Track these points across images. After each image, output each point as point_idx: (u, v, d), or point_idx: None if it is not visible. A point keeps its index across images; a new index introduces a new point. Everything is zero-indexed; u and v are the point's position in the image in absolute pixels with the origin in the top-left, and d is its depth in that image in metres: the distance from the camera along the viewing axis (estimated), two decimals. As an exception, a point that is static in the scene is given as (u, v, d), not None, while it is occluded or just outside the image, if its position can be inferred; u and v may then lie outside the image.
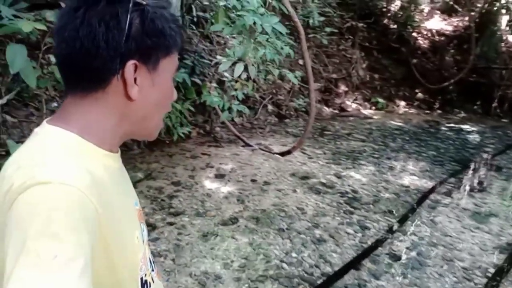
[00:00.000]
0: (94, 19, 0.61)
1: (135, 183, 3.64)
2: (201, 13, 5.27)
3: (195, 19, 5.32)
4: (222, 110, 4.83)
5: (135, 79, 0.65)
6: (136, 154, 4.33)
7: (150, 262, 0.78)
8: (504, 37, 8.71)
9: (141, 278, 0.72)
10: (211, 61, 5.21)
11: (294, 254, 2.80)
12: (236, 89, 5.00)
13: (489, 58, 8.37)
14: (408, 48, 8.60)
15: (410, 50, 8.57)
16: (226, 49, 4.68)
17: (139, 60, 0.65)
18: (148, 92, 0.67)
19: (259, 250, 2.82)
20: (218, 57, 4.98)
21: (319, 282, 2.53)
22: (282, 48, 3.87)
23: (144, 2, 0.65)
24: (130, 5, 0.63)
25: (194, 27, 5.35)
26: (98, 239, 0.58)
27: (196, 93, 4.76)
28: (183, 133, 4.67)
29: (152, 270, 0.78)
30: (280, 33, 3.57)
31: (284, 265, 2.67)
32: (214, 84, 5.11)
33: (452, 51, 8.91)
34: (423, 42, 9.01)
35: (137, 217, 0.75)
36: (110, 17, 0.62)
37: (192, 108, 4.86)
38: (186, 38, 5.09)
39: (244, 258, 2.70)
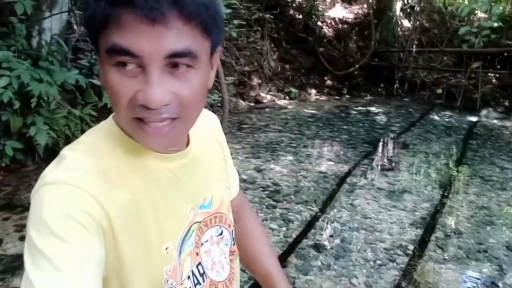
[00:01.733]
0: None
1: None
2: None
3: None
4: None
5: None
6: (30, 170, 3.80)
7: (194, 275, 0.69)
8: (400, 22, 9.34)
9: None
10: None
11: (218, 261, 2.62)
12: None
13: (388, 42, 8.92)
14: (315, 37, 8.82)
15: (317, 39, 8.80)
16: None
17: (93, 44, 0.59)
18: (103, 79, 0.58)
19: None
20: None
21: (246, 287, 2.37)
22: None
23: None
24: None
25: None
26: (111, 245, 0.57)
27: (97, 95, 4.32)
28: (86, 141, 4.20)
29: (198, 283, 0.70)
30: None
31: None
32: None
33: (355, 37, 9.33)
34: (327, 31, 9.31)
35: (188, 224, 0.68)
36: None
37: (94, 113, 4.41)
38: (81, 35, 4.60)
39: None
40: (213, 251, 0.75)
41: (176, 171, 0.67)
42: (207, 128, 0.82)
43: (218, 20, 0.58)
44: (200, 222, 0.72)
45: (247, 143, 5.11)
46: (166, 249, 0.64)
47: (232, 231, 0.81)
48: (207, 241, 0.74)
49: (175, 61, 0.54)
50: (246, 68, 7.68)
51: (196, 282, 0.70)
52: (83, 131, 4.41)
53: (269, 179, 3.96)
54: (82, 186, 0.56)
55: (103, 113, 4.72)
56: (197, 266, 0.71)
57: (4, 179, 3.60)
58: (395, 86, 8.47)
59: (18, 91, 3.22)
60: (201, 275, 0.71)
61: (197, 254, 0.71)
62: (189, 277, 0.69)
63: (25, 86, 3.18)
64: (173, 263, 0.65)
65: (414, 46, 8.46)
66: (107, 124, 0.66)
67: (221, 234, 0.77)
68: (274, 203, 3.45)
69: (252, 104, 7.36)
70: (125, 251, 0.59)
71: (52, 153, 4.04)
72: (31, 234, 0.53)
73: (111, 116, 0.67)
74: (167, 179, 0.66)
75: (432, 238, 2.92)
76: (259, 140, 5.26)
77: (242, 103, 7.17)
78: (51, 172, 0.58)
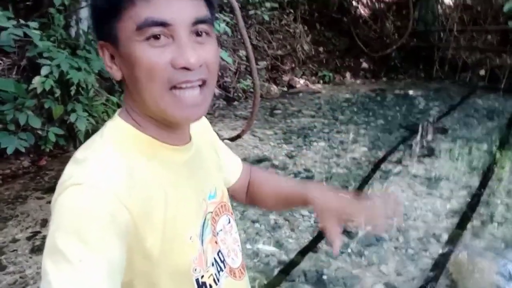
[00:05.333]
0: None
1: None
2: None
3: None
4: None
5: (113, 60, 0.64)
6: (72, 155, 3.99)
7: (216, 262, 0.73)
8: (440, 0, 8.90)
9: (197, 280, 0.68)
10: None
11: (248, 246, 2.67)
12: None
13: (427, 21, 8.53)
14: (350, 17, 8.58)
15: (352, 20, 8.56)
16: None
17: (102, 38, 0.64)
18: (125, 70, 0.63)
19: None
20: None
21: (275, 272, 2.41)
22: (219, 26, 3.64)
23: None
24: None
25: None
26: (134, 244, 0.58)
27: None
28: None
29: (221, 270, 0.74)
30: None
31: (239, 259, 2.53)
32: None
33: (392, 17, 8.99)
34: (363, 11, 9.02)
35: (203, 213, 0.72)
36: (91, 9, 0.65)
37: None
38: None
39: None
40: (227, 239, 0.79)
41: (188, 163, 0.71)
42: (196, 123, 0.85)
43: None
44: (212, 212, 0.75)
45: (279, 128, 5.10)
46: (190, 238, 0.67)
47: (233, 218, 0.85)
48: (221, 230, 0.77)
49: (198, 28, 0.61)
50: (279, 52, 7.61)
51: (219, 268, 0.74)
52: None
53: (301, 165, 3.96)
54: (108, 188, 0.57)
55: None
56: (218, 254, 0.75)
57: (48, 164, 3.80)
58: (435, 67, 8.12)
59: (59, 79, 3.36)
60: (222, 261, 0.75)
61: (216, 242, 0.75)
62: (213, 264, 0.72)
63: (65, 74, 3.31)
64: (198, 251, 0.68)
65: (455, 24, 8.04)
66: (119, 124, 0.66)
67: (229, 222, 0.81)
68: (305, 189, 3.45)
69: (285, 89, 7.31)
70: (152, 247, 0.60)
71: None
72: (55, 235, 0.53)
73: (117, 118, 0.67)
74: (183, 170, 0.70)
75: (468, 226, 2.83)
76: (291, 125, 5.23)
77: (275, 88, 7.13)
78: (76, 173, 0.58)
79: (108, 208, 0.56)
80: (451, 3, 8.84)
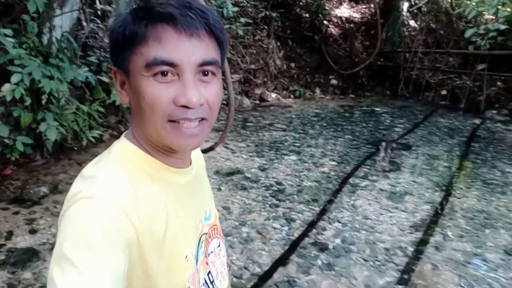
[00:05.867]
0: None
1: (40, 199, 3.26)
2: (104, 6, 4.86)
3: (99, 12, 4.89)
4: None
5: (123, 86, 0.68)
6: (39, 165, 3.89)
7: (206, 283, 0.76)
8: (406, 22, 9.34)
9: None
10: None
11: (221, 258, 2.69)
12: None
13: (394, 42, 8.93)
14: (321, 36, 8.85)
15: (323, 38, 8.83)
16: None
17: (116, 65, 0.68)
18: (132, 98, 0.67)
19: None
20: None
21: (248, 285, 2.45)
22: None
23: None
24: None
25: (98, 21, 4.92)
26: (136, 259, 0.60)
27: (105, 92, 4.39)
28: (93, 137, 4.27)
29: None
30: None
31: (211, 271, 2.54)
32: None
33: (361, 37, 9.35)
34: (334, 30, 9.33)
35: (198, 234, 0.75)
36: (111, 33, 0.67)
37: (102, 109, 4.48)
38: (90, 32, 4.66)
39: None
40: (216, 262, 0.82)
41: (188, 185, 0.75)
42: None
43: (226, 41, 0.71)
44: (206, 233, 0.79)
45: (252, 141, 5.17)
46: (186, 257, 0.71)
47: (223, 241, 0.89)
48: (212, 252, 0.81)
49: (204, 68, 0.65)
50: (252, 66, 7.73)
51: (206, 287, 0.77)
52: (90, 127, 4.45)
53: (273, 178, 4.03)
54: (116, 203, 0.59)
55: (110, 109, 4.80)
56: (208, 274, 0.78)
57: (13, 173, 3.68)
58: (400, 86, 8.49)
59: (30, 87, 3.29)
60: (211, 282, 0.79)
61: (207, 263, 0.78)
62: (203, 284, 0.76)
63: (36, 83, 3.25)
64: (193, 270, 0.72)
65: (420, 46, 8.47)
66: (125, 145, 0.71)
67: (219, 245, 0.85)
68: (277, 202, 3.52)
69: (257, 102, 7.42)
70: (152, 263, 0.63)
71: (60, 148, 4.12)
72: (63, 244, 0.55)
73: (124, 140, 0.72)
74: (183, 192, 0.73)
75: (431, 240, 2.98)
76: (263, 138, 5.32)
77: (247, 101, 7.23)
78: (86, 188, 0.61)
79: (116, 222, 0.58)
80: (416, 26, 9.30)
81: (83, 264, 0.53)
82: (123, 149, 0.70)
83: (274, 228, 3.09)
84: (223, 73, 4.51)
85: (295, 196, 3.64)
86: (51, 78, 3.33)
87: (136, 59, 0.63)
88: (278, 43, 8.44)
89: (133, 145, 0.69)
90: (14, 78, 3.16)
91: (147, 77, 0.63)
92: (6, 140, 3.44)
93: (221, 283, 0.82)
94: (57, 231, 0.59)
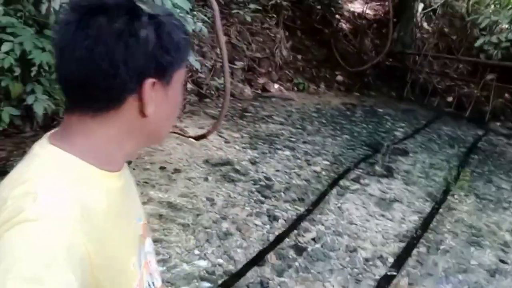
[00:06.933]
0: (111, 37, 0.58)
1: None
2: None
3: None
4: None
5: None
6: (27, 137, 3.83)
7: (149, 285, 0.75)
8: (419, 24, 9.14)
9: None
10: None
11: (196, 252, 2.64)
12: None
13: (405, 43, 8.75)
14: (331, 30, 8.68)
15: (333, 32, 8.66)
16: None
17: (156, 76, 0.63)
18: (162, 107, 0.66)
19: (158, 249, 2.60)
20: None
21: (219, 282, 2.40)
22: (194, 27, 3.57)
23: (157, 13, 0.63)
24: (145, 19, 0.60)
25: None
26: (89, 279, 0.56)
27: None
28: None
29: None
30: (190, 9, 3.28)
31: (184, 265, 2.50)
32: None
33: (372, 35, 9.17)
34: (345, 25, 9.15)
35: (138, 237, 0.73)
36: (129, 35, 0.59)
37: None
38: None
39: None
40: (152, 261, 0.80)
41: (123, 188, 0.71)
42: None
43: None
44: (141, 234, 0.76)
45: (247, 132, 5.09)
46: (133, 264, 0.68)
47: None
48: (148, 251, 0.78)
49: None
50: (257, 55, 7.60)
51: None
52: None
53: (262, 172, 3.96)
54: (65, 224, 0.54)
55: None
56: (149, 276, 0.76)
57: None
58: (406, 89, 8.34)
59: (21, 57, 3.20)
60: (153, 284, 0.77)
61: (146, 265, 0.76)
62: (148, 286, 0.74)
63: (27, 53, 3.16)
64: (138, 276, 0.69)
65: (431, 50, 8.30)
66: (53, 152, 0.62)
67: (150, 244, 0.82)
68: (262, 198, 3.45)
69: (259, 91, 7.31)
70: (103, 280, 0.59)
71: (52, 120, 4.06)
72: (7, 277, 0.47)
73: (49, 145, 0.63)
74: (120, 196, 0.69)
75: (414, 252, 2.91)
76: (259, 130, 5.23)
77: (249, 90, 7.12)
78: (27, 208, 0.53)
79: (68, 244, 0.53)
80: (429, 29, 9.11)
81: None
82: (54, 157, 0.62)
83: (256, 225, 3.03)
84: (222, 60, 4.40)
85: (282, 194, 3.57)
86: (43, 50, 3.24)
87: (181, 71, 0.68)
88: (287, 33, 8.27)
89: (73, 156, 0.62)
90: (5, 47, 3.07)
91: (181, 87, 0.70)
92: (-7, 110, 3.37)
93: (157, 281, 0.80)
94: None
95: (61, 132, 0.65)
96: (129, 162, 3.71)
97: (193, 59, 3.25)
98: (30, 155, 0.63)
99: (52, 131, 0.67)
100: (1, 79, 3.23)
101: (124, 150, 0.67)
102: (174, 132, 4.66)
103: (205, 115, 5.68)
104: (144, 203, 3.09)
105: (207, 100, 6.43)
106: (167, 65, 0.64)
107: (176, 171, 3.73)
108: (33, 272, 0.48)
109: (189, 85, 6.41)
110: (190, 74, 6.40)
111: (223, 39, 3.63)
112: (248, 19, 7.11)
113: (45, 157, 0.62)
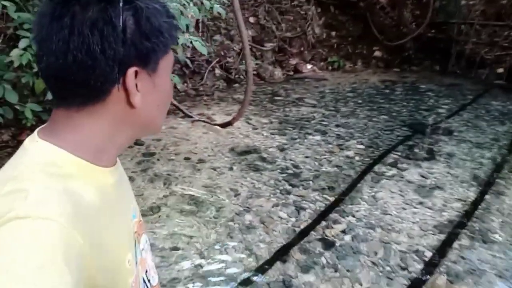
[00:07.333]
0: (85, 27, 0.55)
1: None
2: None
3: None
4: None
5: (136, 86, 0.61)
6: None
7: (145, 282, 0.74)
8: (465, -10, 8.40)
9: None
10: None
11: (217, 247, 2.53)
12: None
13: (448, 12, 8.08)
14: (366, 2, 8.17)
15: (368, 5, 8.15)
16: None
17: (138, 65, 0.60)
18: (150, 96, 0.64)
19: (178, 245, 2.52)
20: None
21: (239, 280, 2.27)
22: (211, 8, 3.40)
23: None
24: (121, 5, 0.57)
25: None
26: (83, 277, 0.54)
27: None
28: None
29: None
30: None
31: (203, 261, 2.39)
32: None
33: (411, 5, 8.54)
34: (382, -4, 8.58)
35: (133, 234, 0.71)
36: (104, 23, 0.56)
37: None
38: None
39: (160, 257, 2.40)
40: (148, 258, 0.79)
41: (117, 184, 0.69)
42: None
43: None
44: (136, 231, 0.74)
45: (276, 117, 4.90)
46: (128, 262, 0.67)
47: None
48: (143, 249, 0.76)
49: None
50: (288, 34, 7.31)
51: (145, 286, 0.75)
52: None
53: (290, 160, 3.77)
54: (57, 221, 0.51)
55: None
56: (145, 273, 0.75)
57: (29, 139, 3.69)
58: (451, 61, 7.72)
59: (39, 53, 3.19)
60: (148, 281, 0.76)
61: (142, 262, 0.75)
62: (143, 284, 0.73)
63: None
64: (134, 273, 0.68)
65: (477, 18, 7.60)
66: (45, 147, 0.60)
67: (146, 241, 0.81)
68: (289, 187, 3.28)
69: (291, 73, 7.06)
70: (98, 278, 0.57)
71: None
72: (1, 273, 0.45)
73: (40, 140, 0.61)
74: (114, 192, 0.67)
75: (455, 246, 2.64)
76: (289, 115, 5.02)
77: (279, 72, 6.88)
78: (17, 205, 0.51)
79: (61, 241, 0.50)
80: (475, -6, 8.34)
81: None
82: (46, 152, 0.60)
83: (280, 217, 2.87)
84: (242, 44, 4.18)
85: (311, 182, 3.38)
86: (60, 44, 3.21)
87: (167, 57, 0.65)
88: (319, 9, 7.89)
89: (63, 151, 0.60)
90: (22, 43, 3.05)
91: (169, 74, 0.68)
92: (17, 107, 3.40)
93: (153, 278, 0.79)
94: None
95: (49, 127, 0.63)
96: (152, 154, 3.67)
97: (199, 44, 3.06)
98: (20, 150, 0.62)
99: (42, 126, 0.64)
100: (22, 76, 3.24)
101: (116, 143, 0.65)
102: (200, 120, 4.56)
103: (233, 101, 5.54)
104: (165, 196, 3.01)
105: (236, 85, 6.28)
106: (149, 52, 0.61)
107: (201, 161, 3.64)
108: (26, 274, 0.47)
109: (217, 71, 6.28)
110: (218, 59, 6.26)
111: (241, 20, 3.43)
112: (277, -3, 6.83)
113: (35, 152, 0.60)
